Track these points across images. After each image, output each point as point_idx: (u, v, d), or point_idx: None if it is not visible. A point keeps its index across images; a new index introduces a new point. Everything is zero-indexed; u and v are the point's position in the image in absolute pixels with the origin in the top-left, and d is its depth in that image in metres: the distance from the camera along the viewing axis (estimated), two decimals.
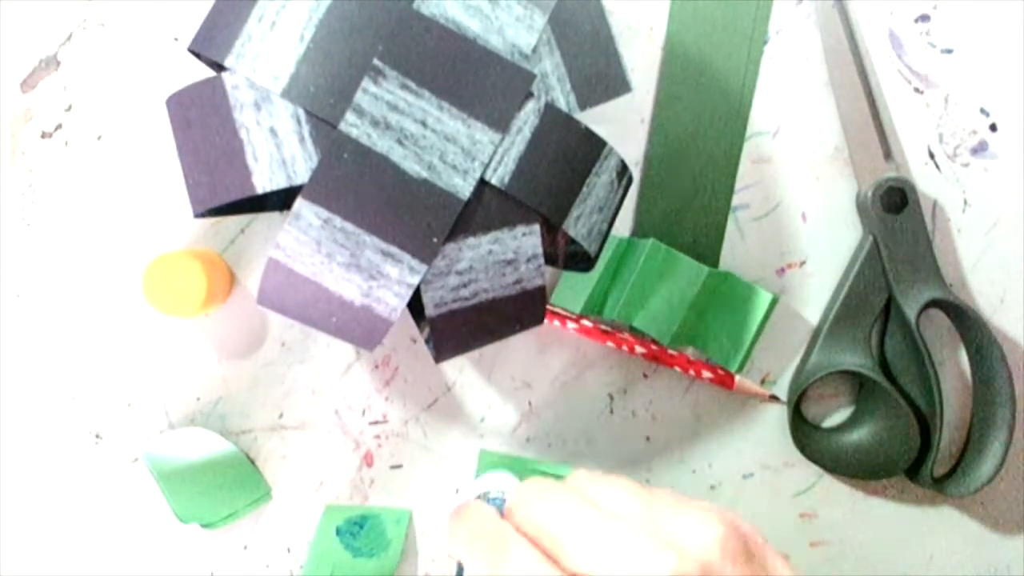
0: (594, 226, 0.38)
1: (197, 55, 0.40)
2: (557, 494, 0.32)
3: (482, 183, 0.35)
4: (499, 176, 0.35)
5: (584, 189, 0.37)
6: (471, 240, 0.35)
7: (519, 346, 0.48)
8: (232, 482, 0.47)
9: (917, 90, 0.48)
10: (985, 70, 0.47)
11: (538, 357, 0.48)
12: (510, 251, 0.36)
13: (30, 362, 0.47)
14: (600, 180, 0.38)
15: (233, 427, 0.47)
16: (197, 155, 0.36)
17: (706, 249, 0.47)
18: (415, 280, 0.34)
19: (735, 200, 0.48)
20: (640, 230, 0.47)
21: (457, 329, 0.37)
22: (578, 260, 0.43)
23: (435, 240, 0.34)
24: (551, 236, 0.44)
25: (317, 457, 0.48)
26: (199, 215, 0.37)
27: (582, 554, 0.30)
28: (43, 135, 0.46)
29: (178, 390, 0.47)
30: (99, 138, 0.46)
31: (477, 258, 0.35)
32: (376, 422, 0.48)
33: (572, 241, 0.44)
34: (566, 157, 0.36)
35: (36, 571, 0.47)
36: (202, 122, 0.35)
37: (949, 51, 0.47)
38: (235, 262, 0.47)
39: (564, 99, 0.36)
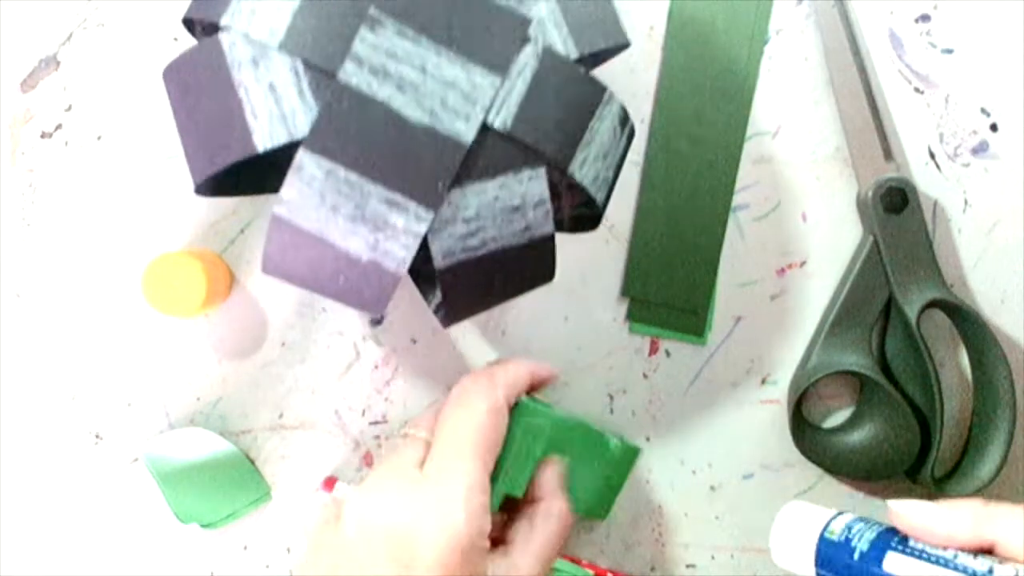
0: (600, 173, 0.38)
1: (191, 31, 0.40)
2: None
3: (485, 127, 0.34)
4: (502, 119, 0.35)
5: (587, 134, 0.37)
6: (476, 186, 0.35)
7: (519, 346, 0.48)
8: (232, 482, 0.47)
9: (917, 90, 0.48)
10: (985, 70, 0.47)
11: (538, 357, 0.48)
12: (517, 196, 0.36)
13: (30, 362, 0.47)
14: (603, 125, 0.37)
15: (233, 427, 0.47)
16: (196, 120, 0.35)
17: (706, 249, 0.47)
18: (422, 228, 0.34)
19: (735, 200, 0.48)
20: (640, 230, 0.47)
21: (467, 283, 0.36)
22: (584, 222, 0.43)
23: (440, 186, 0.34)
24: (557, 201, 0.44)
25: (317, 457, 0.48)
26: (200, 188, 0.37)
27: None
28: (43, 135, 0.46)
29: (178, 390, 0.47)
30: (99, 138, 0.46)
31: (484, 204, 0.35)
32: (376, 422, 0.48)
33: (578, 204, 0.43)
34: (567, 100, 0.36)
35: (36, 571, 0.47)
36: (200, 86, 0.35)
37: (949, 51, 0.47)
38: (235, 262, 0.47)
39: (562, 43, 0.36)
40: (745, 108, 0.47)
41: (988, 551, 0.31)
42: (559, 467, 0.42)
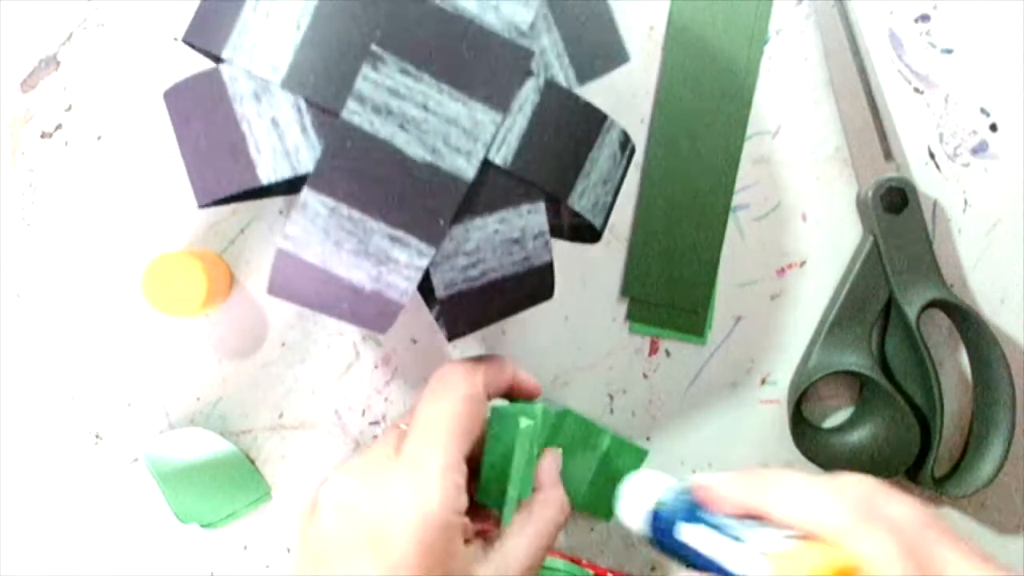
0: (599, 199, 0.38)
1: (192, 45, 0.40)
2: (901, 497, 0.34)
3: (486, 163, 0.35)
4: (502, 156, 0.35)
5: (587, 164, 0.37)
6: (477, 221, 0.35)
7: (519, 346, 0.48)
8: (232, 482, 0.47)
9: (917, 90, 0.48)
10: (985, 70, 0.47)
11: (538, 357, 0.48)
12: (516, 229, 0.36)
13: (30, 362, 0.47)
14: (603, 153, 0.37)
15: (233, 427, 0.47)
16: (198, 148, 0.36)
17: (706, 249, 0.47)
18: (424, 263, 0.34)
19: (735, 200, 0.48)
20: (640, 230, 0.47)
21: (468, 309, 0.37)
22: (583, 232, 0.43)
23: (442, 223, 0.34)
24: (556, 208, 0.44)
25: (317, 457, 0.48)
26: (204, 206, 0.37)
27: (941, 555, 0.32)
28: (43, 135, 0.46)
29: (178, 390, 0.47)
30: (99, 138, 0.46)
31: (484, 238, 0.35)
32: (376, 422, 0.48)
33: (577, 214, 0.44)
34: (568, 133, 0.36)
35: (36, 571, 0.47)
36: (202, 115, 0.35)
37: (949, 51, 0.47)
38: (235, 262, 0.47)
39: (563, 74, 0.36)
40: (745, 108, 0.47)
41: (761, 517, 0.34)
42: (556, 458, 0.42)
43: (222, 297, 0.46)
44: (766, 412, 0.49)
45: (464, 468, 0.37)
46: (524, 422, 0.39)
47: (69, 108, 0.46)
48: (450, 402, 0.37)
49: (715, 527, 0.35)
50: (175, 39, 0.46)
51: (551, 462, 0.41)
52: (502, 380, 0.40)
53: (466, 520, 0.36)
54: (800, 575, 0.31)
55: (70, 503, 0.47)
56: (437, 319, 0.44)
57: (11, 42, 0.46)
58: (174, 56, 0.46)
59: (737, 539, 0.34)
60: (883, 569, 0.31)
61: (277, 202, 0.46)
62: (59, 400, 0.47)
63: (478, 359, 0.41)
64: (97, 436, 0.47)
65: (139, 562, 0.48)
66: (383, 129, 0.34)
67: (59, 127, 0.46)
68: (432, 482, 0.35)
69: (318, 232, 0.34)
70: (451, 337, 0.38)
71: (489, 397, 0.39)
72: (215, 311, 0.47)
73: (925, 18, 0.47)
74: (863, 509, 0.32)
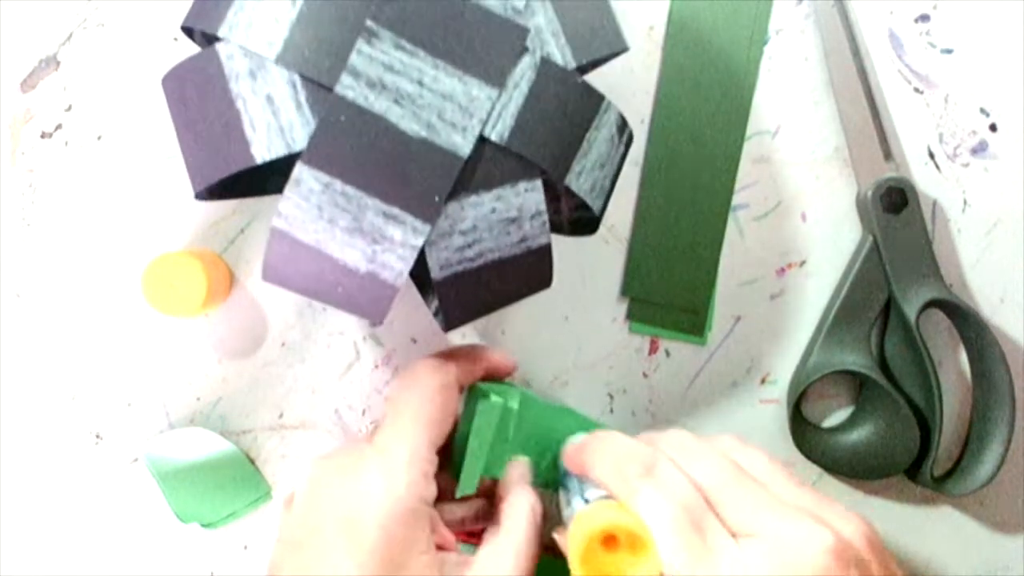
0: (597, 182, 0.38)
1: (191, 36, 0.40)
2: (709, 451, 0.35)
3: (482, 140, 0.34)
4: (498, 132, 0.35)
5: (584, 144, 0.37)
6: (473, 198, 0.35)
7: (519, 345, 0.48)
8: (232, 482, 0.47)
9: (917, 90, 0.48)
10: (985, 70, 0.47)
11: (538, 357, 0.48)
12: (513, 208, 0.36)
13: (30, 362, 0.47)
14: (600, 135, 0.37)
15: (233, 427, 0.47)
16: (195, 131, 0.35)
17: (706, 249, 0.47)
18: (419, 241, 0.34)
19: (735, 200, 0.48)
20: (640, 230, 0.47)
21: (465, 293, 0.37)
22: (583, 225, 0.43)
23: (437, 199, 0.34)
24: (555, 204, 0.44)
25: None
26: (200, 195, 0.37)
27: (738, 511, 0.32)
28: (43, 135, 0.46)
29: (178, 390, 0.47)
30: (99, 138, 0.46)
31: (480, 217, 0.35)
32: (376, 422, 0.48)
33: (577, 207, 0.43)
34: (565, 111, 0.36)
35: (36, 571, 0.47)
36: (198, 96, 0.35)
37: (949, 51, 0.47)
38: (235, 262, 0.47)
39: (560, 53, 0.36)
40: (745, 108, 0.47)
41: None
42: (523, 466, 0.41)
43: (222, 297, 0.46)
44: (766, 412, 0.49)
45: (434, 458, 0.37)
46: (492, 398, 0.39)
47: (69, 108, 0.46)
48: (420, 393, 0.38)
49: (567, 488, 0.38)
50: (175, 39, 0.46)
51: (516, 469, 0.40)
52: (476, 370, 0.41)
53: (435, 512, 0.37)
54: (580, 535, 0.33)
55: (70, 503, 0.47)
56: (435, 313, 0.44)
57: (11, 42, 0.46)
58: (174, 56, 0.46)
59: (569, 501, 0.37)
60: (656, 531, 0.32)
61: (277, 201, 0.46)
62: (59, 400, 0.47)
63: (451, 350, 0.41)
64: (97, 436, 0.47)
65: (139, 562, 0.48)
66: (377, 104, 0.33)
67: (59, 127, 0.46)
68: (399, 469, 0.36)
69: (312, 209, 0.34)
70: (448, 326, 0.38)
71: (461, 388, 0.40)
72: (215, 311, 0.47)
73: (925, 18, 0.47)
74: (650, 469, 0.33)
